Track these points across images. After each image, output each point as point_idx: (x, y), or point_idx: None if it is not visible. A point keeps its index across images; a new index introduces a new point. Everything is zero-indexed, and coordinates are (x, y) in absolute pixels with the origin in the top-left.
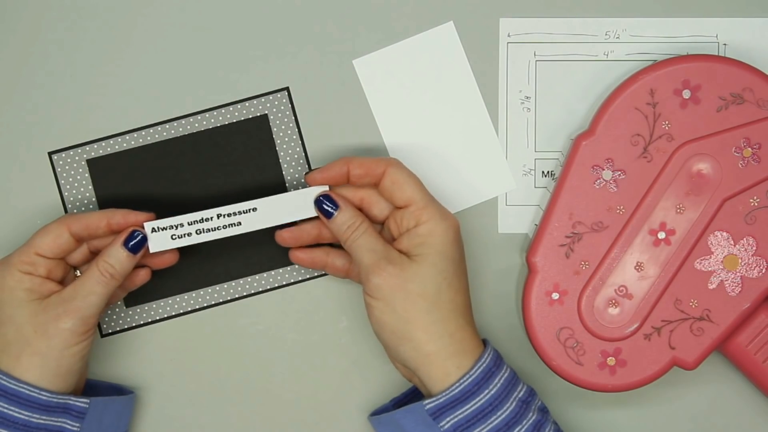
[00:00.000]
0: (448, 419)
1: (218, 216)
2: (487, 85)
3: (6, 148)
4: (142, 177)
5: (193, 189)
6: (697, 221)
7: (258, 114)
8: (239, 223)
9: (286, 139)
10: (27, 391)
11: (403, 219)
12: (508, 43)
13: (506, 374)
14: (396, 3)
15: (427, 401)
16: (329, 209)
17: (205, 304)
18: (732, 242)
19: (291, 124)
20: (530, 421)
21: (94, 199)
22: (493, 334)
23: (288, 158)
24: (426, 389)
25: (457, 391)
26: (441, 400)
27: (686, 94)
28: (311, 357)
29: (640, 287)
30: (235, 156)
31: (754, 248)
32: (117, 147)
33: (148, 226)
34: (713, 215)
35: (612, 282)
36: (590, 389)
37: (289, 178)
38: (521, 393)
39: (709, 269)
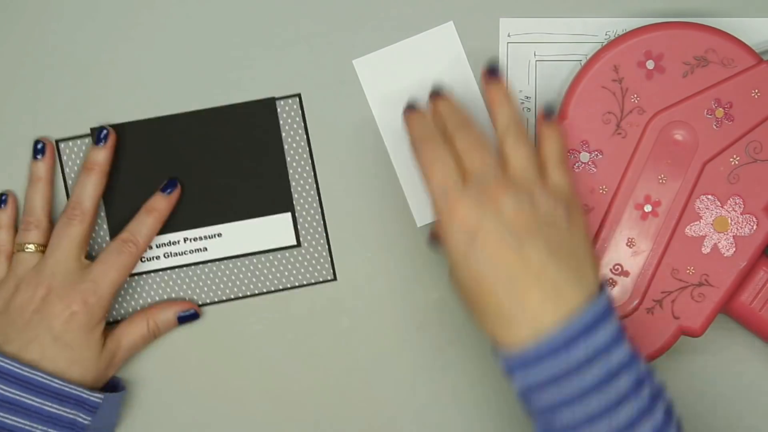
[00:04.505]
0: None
1: (185, 240)
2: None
3: (14, 135)
4: (143, 156)
5: (194, 170)
6: (681, 189)
7: (266, 96)
8: (205, 249)
9: (289, 139)
10: (40, 378)
11: None
12: (508, 43)
13: (601, 338)
14: (396, 3)
15: (501, 354)
16: None
17: (208, 301)
18: (719, 204)
19: (300, 131)
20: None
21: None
22: None
23: (292, 152)
24: None
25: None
26: (512, 359)
27: (650, 64)
28: (311, 357)
29: (635, 263)
30: (240, 140)
31: (742, 206)
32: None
33: None
34: (696, 180)
35: (606, 262)
36: None
37: (292, 171)
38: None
39: (701, 234)
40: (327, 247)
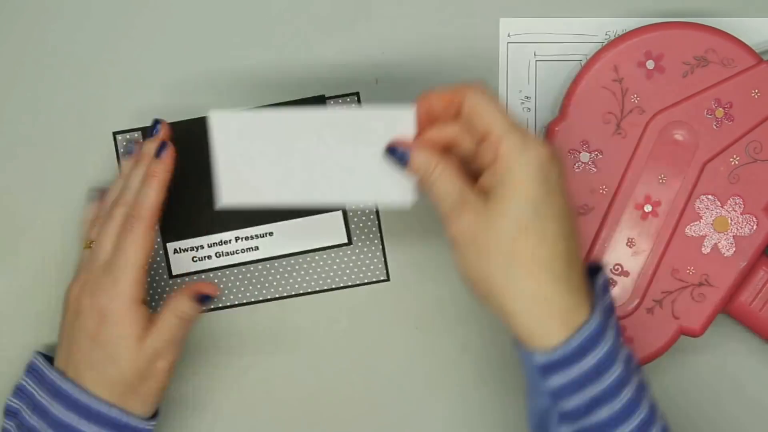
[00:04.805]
0: (552, 377)
1: (236, 239)
2: (487, 86)
3: (14, 134)
4: (186, 155)
5: None
6: (681, 189)
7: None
8: (256, 248)
9: None
10: (98, 408)
11: (485, 152)
12: (508, 43)
13: (611, 341)
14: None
15: (536, 355)
16: (401, 155)
17: (261, 299)
18: (719, 204)
19: None
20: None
21: None
22: (498, 332)
23: None
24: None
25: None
26: (546, 360)
27: (650, 64)
28: (310, 357)
29: (635, 263)
30: None
31: (742, 206)
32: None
33: (170, 247)
34: (696, 180)
35: (606, 262)
36: None
37: None
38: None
39: (701, 234)
40: (381, 247)
